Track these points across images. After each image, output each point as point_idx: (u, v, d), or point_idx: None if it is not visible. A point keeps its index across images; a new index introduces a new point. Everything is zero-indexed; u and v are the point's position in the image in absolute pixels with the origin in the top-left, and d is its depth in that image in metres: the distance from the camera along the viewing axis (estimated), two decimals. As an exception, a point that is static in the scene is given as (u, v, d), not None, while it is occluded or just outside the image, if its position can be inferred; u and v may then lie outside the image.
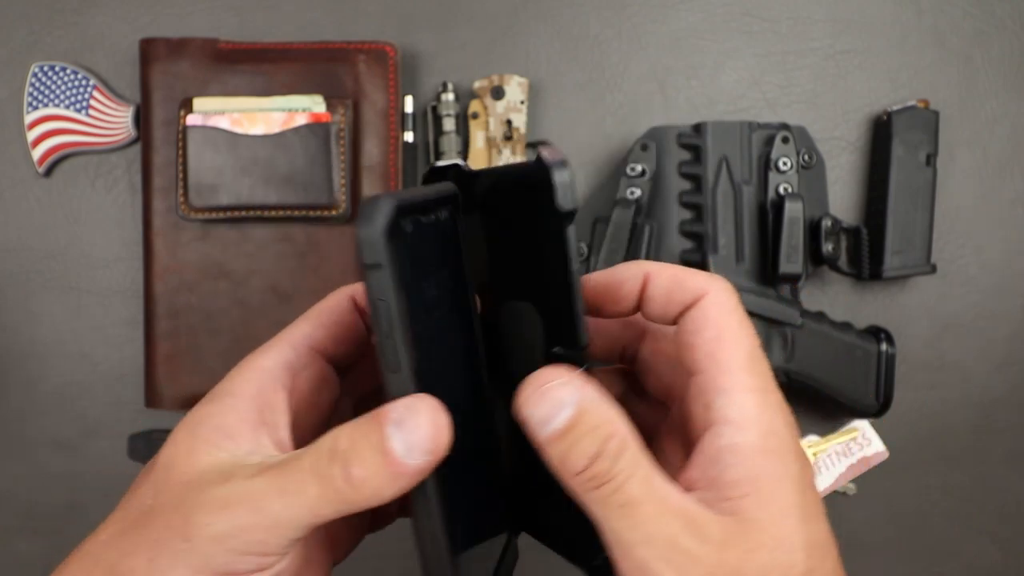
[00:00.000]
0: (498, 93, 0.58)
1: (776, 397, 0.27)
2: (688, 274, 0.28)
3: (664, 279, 0.28)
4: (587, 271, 0.58)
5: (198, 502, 0.24)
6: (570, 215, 0.25)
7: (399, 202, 0.23)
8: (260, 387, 0.27)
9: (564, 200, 0.25)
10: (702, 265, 0.56)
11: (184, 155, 0.55)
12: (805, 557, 0.25)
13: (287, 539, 0.24)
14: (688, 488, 0.25)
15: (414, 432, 0.23)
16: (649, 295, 0.28)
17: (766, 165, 0.56)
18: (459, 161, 0.30)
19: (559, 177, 0.25)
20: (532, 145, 0.26)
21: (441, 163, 0.29)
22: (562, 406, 0.24)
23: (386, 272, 0.23)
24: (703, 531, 0.24)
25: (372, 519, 0.32)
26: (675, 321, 0.28)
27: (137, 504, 0.26)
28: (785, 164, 0.56)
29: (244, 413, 0.27)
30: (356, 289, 0.30)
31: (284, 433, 0.27)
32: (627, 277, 0.29)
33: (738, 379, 0.26)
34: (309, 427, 0.30)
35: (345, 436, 0.24)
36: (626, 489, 0.24)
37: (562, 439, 0.24)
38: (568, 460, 0.25)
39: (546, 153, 0.25)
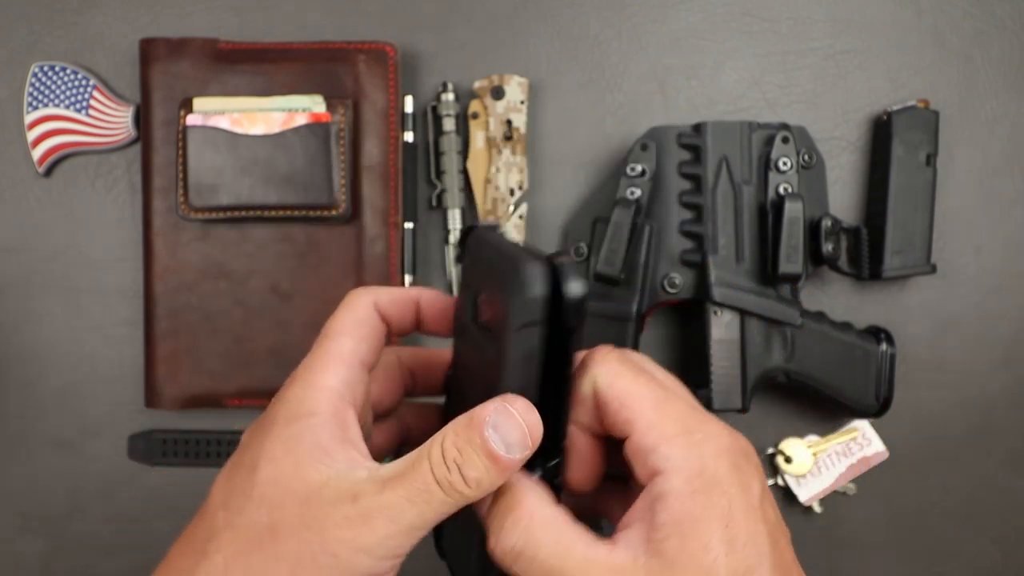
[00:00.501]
0: (498, 93, 0.58)
1: (700, 430, 0.28)
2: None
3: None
4: (587, 271, 0.58)
5: (333, 520, 0.27)
6: (574, 330, 0.27)
7: (554, 267, 0.26)
8: (335, 407, 0.29)
9: (571, 317, 0.26)
10: (702, 265, 0.56)
11: (184, 155, 0.55)
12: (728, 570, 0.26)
13: (418, 539, 0.27)
14: (623, 527, 0.28)
15: (511, 433, 0.27)
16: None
17: (766, 165, 0.56)
18: (497, 225, 0.31)
19: (572, 290, 0.26)
20: (555, 255, 0.27)
21: (483, 224, 0.30)
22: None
23: (538, 330, 0.26)
24: None
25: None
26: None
27: (250, 522, 0.27)
28: (785, 164, 0.56)
29: (333, 431, 0.29)
30: (377, 295, 0.32)
31: (363, 447, 0.30)
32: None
33: (656, 433, 0.28)
34: (367, 436, 0.32)
35: (451, 445, 0.27)
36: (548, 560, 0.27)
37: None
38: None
39: (564, 265, 0.26)
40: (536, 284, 0.26)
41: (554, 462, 0.30)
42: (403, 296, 0.33)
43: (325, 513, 0.27)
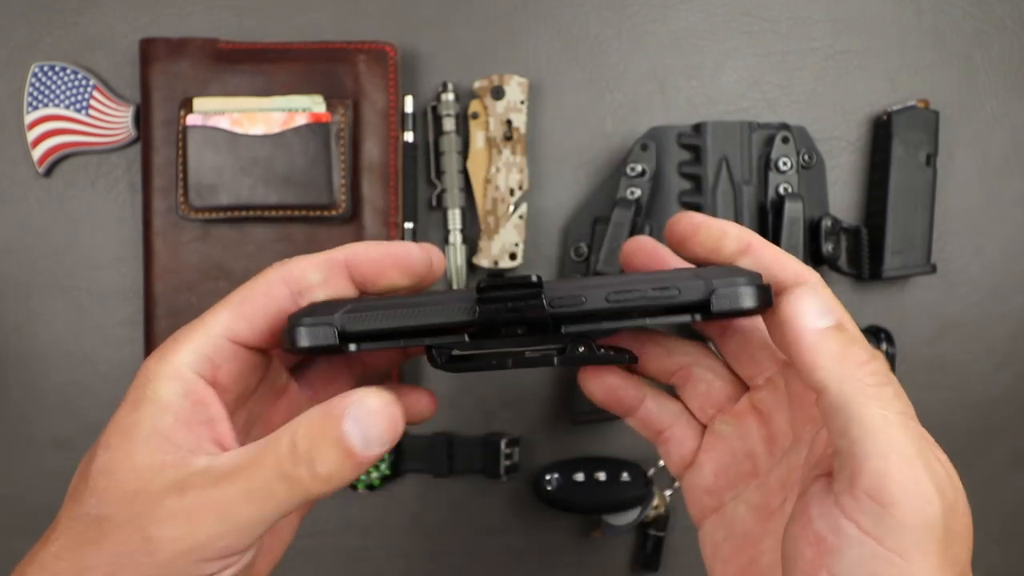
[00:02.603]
0: (498, 93, 0.58)
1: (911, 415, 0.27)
2: (789, 259, 0.28)
3: (767, 254, 0.28)
4: (586, 271, 0.58)
5: (155, 516, 0.24)
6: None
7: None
8: (187, 387, 0.26)
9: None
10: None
11: (184, 155, 0.55)
12: None
13: (255, 538, 0.25)
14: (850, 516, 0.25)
15: (372, 427, 0.24)
16: (747, 264, 0.29)
17: (766, 165, 0.56)
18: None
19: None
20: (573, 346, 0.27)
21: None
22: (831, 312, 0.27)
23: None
24: (951, 470, 0.26)
25: None
26: None
27: (82, 513, 0.25)
28: (785, 164, 0.56)
29: (179, 413, 0.26)
30: (289, 269, 0.29)
31: (223, 428, 0.27)
32: (731, 234, 0.29)
33: (877, 407, 0.25)
34: (245, 416, 0.30)
35: (303, 436, 0.24)
36: (894, 398, 0.25)
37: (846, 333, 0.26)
38: (852, 352, 0.26)
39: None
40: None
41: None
42: (322, 261, 0.29)
43: (150, 507, 0.24)
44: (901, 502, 0.24)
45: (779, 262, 0.28)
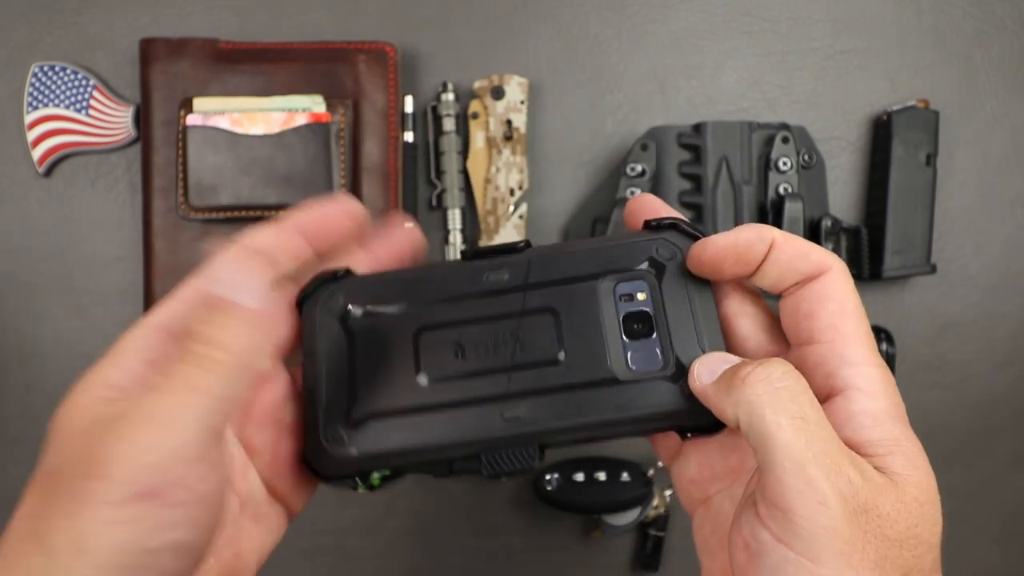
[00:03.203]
0: (498, 93, 0.58)
1: (893, 379, 0.28)
2: (811, 247, 0.29)
3: (789, 248, 0.29)
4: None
5: (102, 440, 0.24)
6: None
7: None
8: (145, 345, 0.27)
9: None
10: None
11: (184, 155, 0.55)
12: (941, 518, 0.27)
13: (202, 435, 0.24)
14: None
15: (235, 274, 0.26)
16: (772, 260, 0.29)
17: (766, 165, 0.56)
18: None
19: None
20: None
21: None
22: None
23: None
24: (864, 470, 0.25)
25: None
26: (783, 292, 0.29)
27: (44, 470, 0.25)
28: (785, 164, 0.56)
29: (132, 368, 0.26)
30: (256, 246, 0.30)
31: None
32: (754, 240, 0.29)
33: (863, 352, 0.27)
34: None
35: (194, 321, 0.25)
36: (789, 401, 0.25)
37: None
38: (751, 371, 0.26)
39: None
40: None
41: None
42: (283, 233, 0.30)
43: (97, 439, 0.24)
44: (797, 507, 0.24)
45: (801, 251, 0.29)
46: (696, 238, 0.30)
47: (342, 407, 0.29)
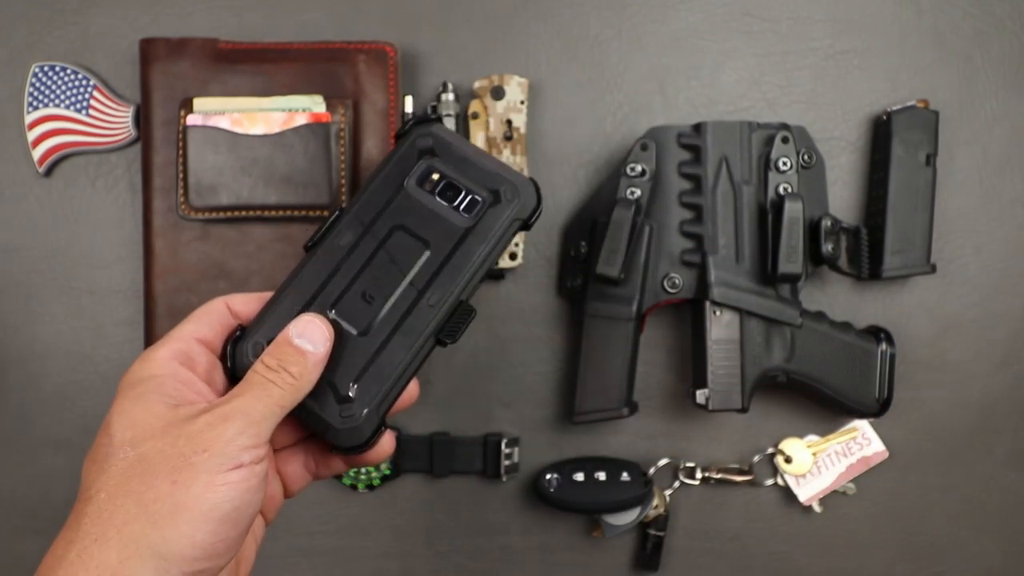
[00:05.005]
0: (498, 93, 0.58)
1: None
2: None
3: None
4: (586, 271, 0.58)
5: (195, 428, 0.31)
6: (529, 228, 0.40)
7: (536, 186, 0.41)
8: (172, 368, 0.34)
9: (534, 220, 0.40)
10: (702, 265, 0.56)
11: (184, 155, 0.55)
12: None
13: (271, 429, 0.33)
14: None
15: (314, 334, 0.35)
16: None
17: (766, 165, 0.56)
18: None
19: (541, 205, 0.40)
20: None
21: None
22: None
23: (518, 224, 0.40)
24: None
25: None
26: None
27: (120, 462, 0.31)
28: (785, 164, 0.56)
29: (175, 384, 0.33)
30: (230, 298, 0.38)
31: (209, 395, 0.35)
32: None
33: None
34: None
35: (270, 358, 0.35)
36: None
37: None
38: None
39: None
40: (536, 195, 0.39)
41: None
42: (255, 296, 0.39)
43: (186, 428, 0.31)
44: None
45: None
46: (431, 120, 0.40)
47: (330, 395, 0.36)
